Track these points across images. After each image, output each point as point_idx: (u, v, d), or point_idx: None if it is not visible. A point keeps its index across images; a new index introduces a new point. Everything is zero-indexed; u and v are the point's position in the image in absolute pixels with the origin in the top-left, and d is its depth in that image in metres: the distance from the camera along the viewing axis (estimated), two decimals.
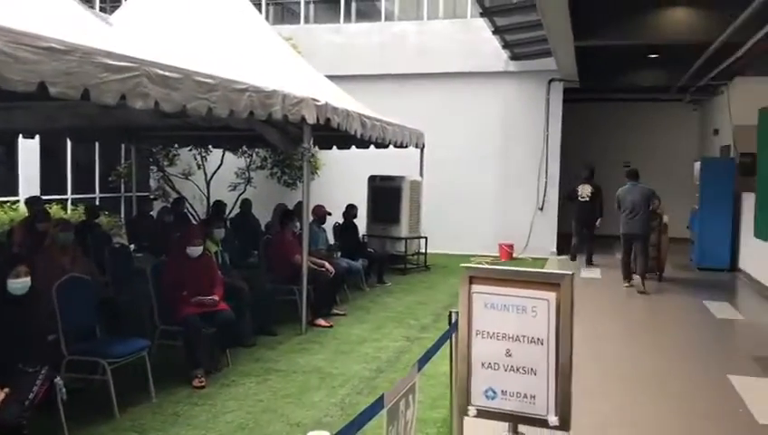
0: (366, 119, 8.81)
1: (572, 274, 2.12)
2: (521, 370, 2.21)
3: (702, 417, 5.10)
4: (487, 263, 12.53)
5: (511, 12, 10.52)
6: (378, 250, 11.02)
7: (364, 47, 14.45)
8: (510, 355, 2.22)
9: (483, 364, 2.28)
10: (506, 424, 2.28)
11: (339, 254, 9.47)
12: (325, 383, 5.64)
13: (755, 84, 12.05)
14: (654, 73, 14.15)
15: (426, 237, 12.16)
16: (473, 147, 13.97)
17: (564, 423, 2.13)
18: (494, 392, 2.25)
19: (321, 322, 7.60)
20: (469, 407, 2.30)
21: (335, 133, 8.54)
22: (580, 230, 12.94)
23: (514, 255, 13.37)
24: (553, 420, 2.14)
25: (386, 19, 15.29)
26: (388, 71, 14.20)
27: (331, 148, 11.76)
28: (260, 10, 13.72)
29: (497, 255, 13.36)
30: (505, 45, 12.70)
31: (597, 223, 12.67)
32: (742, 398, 5.46)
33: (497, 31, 11.59)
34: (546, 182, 13.83)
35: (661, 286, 10.79)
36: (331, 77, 10.66)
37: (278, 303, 7.59)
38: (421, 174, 11.99)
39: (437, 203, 13.13)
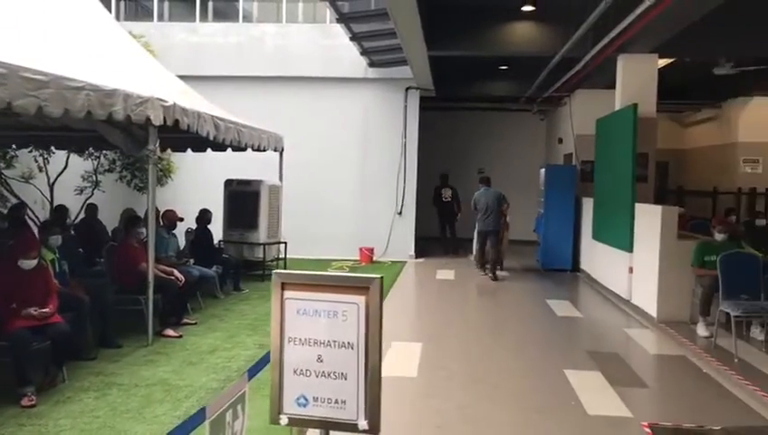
0: (220, 121, 8.56)
1: (381, 277, 2.16)
2: (332, 375, 2.20)
3: (537, 411, 5.37)
4: (347, 267, 12.66)
5: (367, 19, 10.66)
6: (234, 256, 10.76)
7: (221, 48, 14.14)
8: (321, 361, 2.21)
9: (295, 371, 2.26)
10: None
11: (191, 261, 9.13)
12: (170, 396, 5.42)
13: (593, 96, 12.97)
14: (505, 84, 14.90)
15: (285, 243, 12.04)
16: (333, 152, 14.05)
17: (374, 428, 2.15)
18: (306, 399, 2.24)
19: (170, 332, 7.31)
20: (280, 416, 2.27)
21: (189, 135, 8.23)
22: (444, 226, 15.21)
23: (374, 258, 13.55)
24: (363, 424, 2.16)
25: (244, 20, 15.00)
26: (246, 72, 13.96)
27: (185, 150, 11.38)
28: (109, 6, 13.06)
29: (358, 259, 13.49)
30: (363, 52, 12.85)
31: (457, 217, 15.13)
32: (575, 391, 5.81)
33: (355, 38, 11.70)
34: (404, 187, 14.14)
35: (507, 286, 11.42)
36: (185, 77, 10.31)
37: (124, 313, 7.23)
38: (281, 178, 11.86)
39: (298, 208, 13.05)
